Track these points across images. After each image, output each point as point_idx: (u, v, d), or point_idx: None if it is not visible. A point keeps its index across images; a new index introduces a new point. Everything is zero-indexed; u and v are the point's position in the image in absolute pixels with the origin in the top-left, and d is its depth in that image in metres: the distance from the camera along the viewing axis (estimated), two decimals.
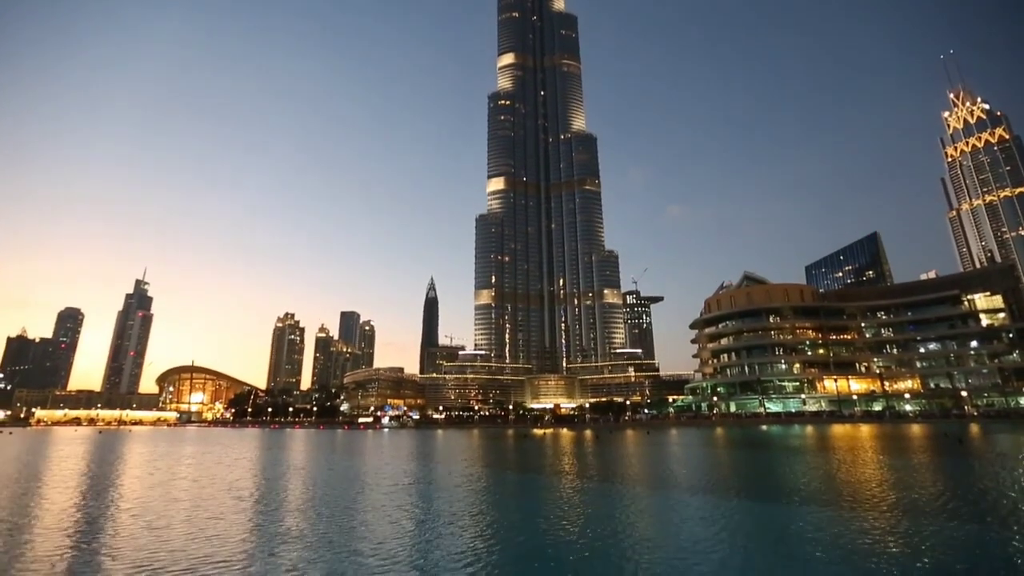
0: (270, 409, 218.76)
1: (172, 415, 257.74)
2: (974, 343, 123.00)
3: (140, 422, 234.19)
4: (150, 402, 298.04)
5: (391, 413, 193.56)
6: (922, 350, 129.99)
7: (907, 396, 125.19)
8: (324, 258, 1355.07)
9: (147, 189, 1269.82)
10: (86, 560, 12.31)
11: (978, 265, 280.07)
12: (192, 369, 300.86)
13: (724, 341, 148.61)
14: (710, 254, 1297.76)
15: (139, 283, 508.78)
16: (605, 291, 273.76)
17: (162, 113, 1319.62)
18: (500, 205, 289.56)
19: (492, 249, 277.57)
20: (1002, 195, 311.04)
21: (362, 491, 23.58)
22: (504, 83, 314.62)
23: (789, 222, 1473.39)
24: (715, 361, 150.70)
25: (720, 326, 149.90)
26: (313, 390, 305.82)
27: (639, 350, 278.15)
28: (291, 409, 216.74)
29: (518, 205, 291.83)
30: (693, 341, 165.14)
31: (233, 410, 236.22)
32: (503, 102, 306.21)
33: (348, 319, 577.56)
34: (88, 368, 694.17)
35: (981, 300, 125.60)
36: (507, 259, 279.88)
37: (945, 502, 17.77)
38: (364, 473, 31.22)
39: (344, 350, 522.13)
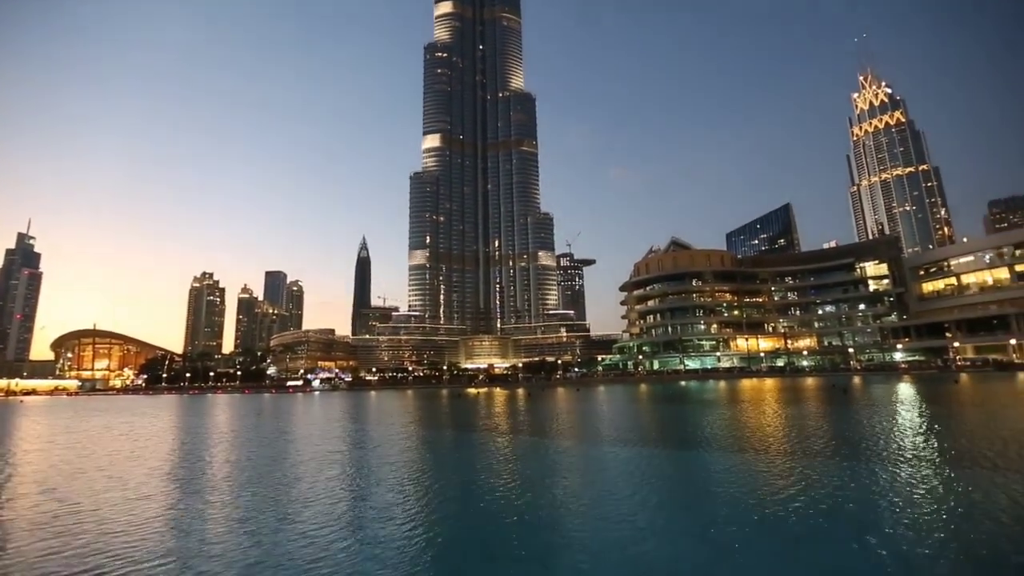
0: (188, 374, 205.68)
1: (73, 383, 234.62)
2: (862, 306, 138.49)
3: (34, 392, 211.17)
4: (45, 370, 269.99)
5: (322, 375, 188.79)
6: (820, 312, 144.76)
7: (805, 353, 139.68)
8: (246, 216, 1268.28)
9: (26, 140, 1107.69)
10: None
11: (871, 236, 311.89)
12: (95, 333, 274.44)
13: (651, 303, 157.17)
14: (643, 217, 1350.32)
15: (23, 237, 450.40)
16: (540, 253, 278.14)
17: (52, 50, 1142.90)
18: (436, 163, 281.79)
19: (427, 208, 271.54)
20: (895, 173, 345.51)
21: (294, 456, 23.18)
22: (441, 34, 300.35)
23: (716, 189, 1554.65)
24: (642, 322, 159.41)
25: (647, 288, 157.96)
26: (237, 354, 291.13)
27: (571, 311, 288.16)
28: (212, 374, 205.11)
29: (454, 164, 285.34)
30: (622, 303, 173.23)
31: (146, 376, 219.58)
32: (440, 54, 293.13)
33: (274, 279, 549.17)
34: None
35: (870, 268, 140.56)
36: (442, 219, 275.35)
37: (828, 443, 20.41)
38: (295, 437, 30.58)
39: (270, 311, 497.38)
